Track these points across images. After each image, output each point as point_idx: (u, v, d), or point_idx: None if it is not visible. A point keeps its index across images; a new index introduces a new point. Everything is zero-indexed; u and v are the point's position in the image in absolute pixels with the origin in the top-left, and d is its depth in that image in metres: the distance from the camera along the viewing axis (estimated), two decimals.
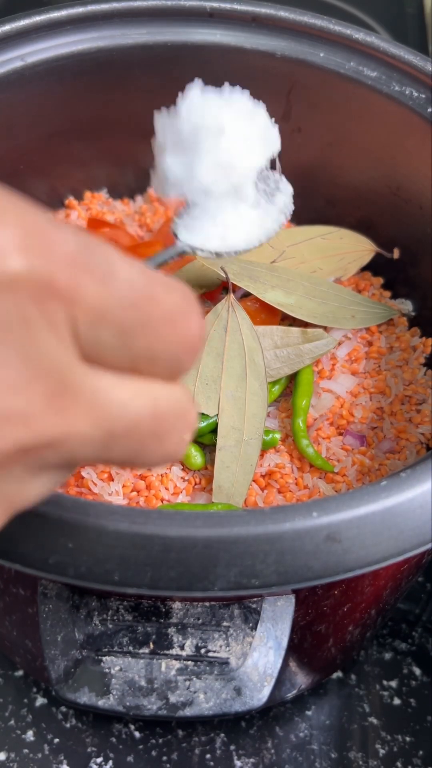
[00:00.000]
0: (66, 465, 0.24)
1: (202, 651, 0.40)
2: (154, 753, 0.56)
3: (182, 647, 0.40)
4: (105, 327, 0.23)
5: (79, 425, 0.22)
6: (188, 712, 0.40)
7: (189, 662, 0.40)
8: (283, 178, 0.50)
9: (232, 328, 0.53)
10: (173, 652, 0.40)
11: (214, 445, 0.53)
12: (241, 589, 0.35)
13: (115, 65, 0.61)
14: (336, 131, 0.63)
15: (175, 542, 0.35)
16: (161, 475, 0.51)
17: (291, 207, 0.50)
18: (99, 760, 0.55)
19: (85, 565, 0.35)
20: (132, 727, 0.57)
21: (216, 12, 0.60)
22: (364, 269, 0.65)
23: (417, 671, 0.60)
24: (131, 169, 0.69)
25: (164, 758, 0.55)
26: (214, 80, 0.63)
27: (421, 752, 0.56)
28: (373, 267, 0.64)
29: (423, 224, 0.59)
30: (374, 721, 0.58)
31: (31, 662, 0.52)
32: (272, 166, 0.48)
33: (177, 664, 0.40)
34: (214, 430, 0.52)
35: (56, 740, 0.56)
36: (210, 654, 0.40)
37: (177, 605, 0.40)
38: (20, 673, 0.59)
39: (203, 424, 0.51)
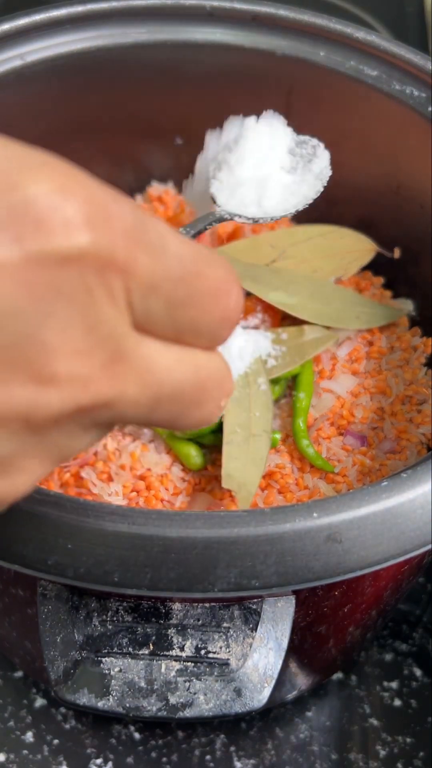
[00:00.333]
0: (113, 423, 0.26)
1: (202, 652, 0.40)
2: (153, 754, 0.56)
3: (182, 648, 0.40)
4: (156, 299, 0.24)
5: (130, 389, 0.24)
6: (188, 713, 0.40)
7: (189, 663, 0.40)
8: (321, 145, 0.50)
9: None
10: (173, 653, 0.40)
11: (215, 445, 0.52)
12: (242, 590, 0.35)
13: (115, 64, 0.61)
14: (336, 130, 0.62)
15: (175, 543, 0.35)
16: (161, 475, 0.51)
17: (328, 173, 0.50)
18: (99, 761, 0.55)
19: (85, 566, 0.35)
20: (132, 728, 0.57)
21: (216, 11, 0.60)
22: (364, 269, 0.65)
23: (418, 672, 0.60)
24: (131, 169, 0.69)
25: (164, 759, 0.55)
26: (214, 79, 0.63)
27: (421, 753, 0.56)
28: (374, 266, 0.64)
29: (424, 223, 0.59)
30: (375, 722, 0.58)
31: (31, 663, 0.52)
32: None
33: (177, 665, 0.40)
34: (214, 431, 0.52)
35: (56, 741, 0.56)
36: (210, 655, 0.40)
37: (177, 606, 0.40)
38: (20, 674, 0.59)
39: None
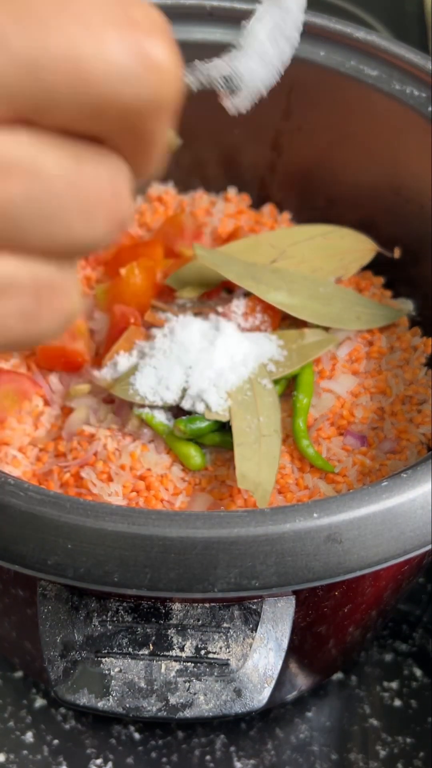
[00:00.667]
0: None
1: (202, 652, 0.40)
2: (153, 754, 0.55)
3: (182, 648, 0.40)
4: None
5: None
6: (188, 713, 0.40)
7: (189, 664, 0.40)
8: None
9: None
10: (173, 653, 0.40)
11: (215, 445, 0.52)
12: (242, 591, 0.35)
13: None
14: (336, 130, 0.63)
15: (175, 543, 0.35)
16: (161, 475, 0.51)
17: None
18: (98, 761, 0.55)
19: (85, 566, 0.35)
20: (132, 728, 0.57)
21: (216, 11, 0.60)
22: (364, 269, 0.65)
23: (418, 672, 0.60)
24: None
25: (164, 760, 0.55)
26: None
27: (421, 754, 0.56)
28: (374, 266, 0.64)
29: (424, 223, 0.59)
30: (375, 722, 0.58)
31: (31, 663, 0.52)
32: None
33: (177, 666, 0.40)
34: (215, 430, 0.52)
35: (56, 741, 0.56)
36: (210, 655, 0.40)
37: (177, 606, 0.40)
38: (20, 674, 0.59)
39: (202, 425, 0.51)
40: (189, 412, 0.52)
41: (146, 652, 0.40)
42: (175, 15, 0.60)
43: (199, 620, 0.40)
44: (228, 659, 0.40)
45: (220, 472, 0.52)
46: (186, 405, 0.52)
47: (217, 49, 0.61)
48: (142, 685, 0.40)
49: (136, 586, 0.35)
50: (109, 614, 0.40)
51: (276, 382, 0.54)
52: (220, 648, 0.40)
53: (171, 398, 0.52)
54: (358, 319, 0.58)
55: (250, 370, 0.53)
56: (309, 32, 0.60)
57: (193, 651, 0.40)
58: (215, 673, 0.40)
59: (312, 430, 0.54)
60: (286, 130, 0.65)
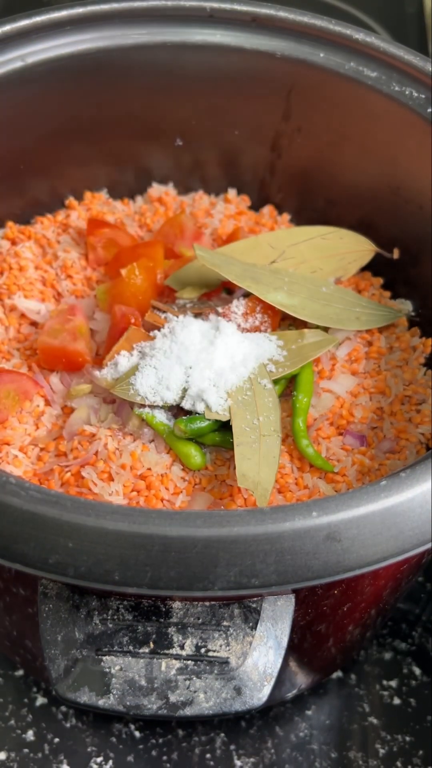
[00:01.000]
0: None
1: (202, 650, 0.40)
2: (154, 753, 0.56)
3: (182, 647, 0.40)
4: None
5: None
6: (188, 711, 0.40)
7: (189, 662, 0.40)
8: None
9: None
10: (173, 651, 0.40)
11: (215, 445, 0.53)
12: (241, 589, 0.35)
13: (116, 65, 0.61)
14: (336, 131, 0.63)
15: (175, 542, 0.35)
16: (161, 475, 0.51)
17: None
18: (99, 759, 0.55)
19: (86, 565, 0.35)
20: (132, 726, 0.57)
21: (216, 12, 0.60)
22: (364, 269, 0.65)
23: (417, 671, 0.60)
24: (131, 169, 0.69)
25: (164, 758, 0.55)
26: (214, 80, 0.63)
27: (421, 752, 0.56)
28: (373, 267, 0.64)
29: (423, 224, 0.60)
30: (374, 720, 0.58)
31: (32, 662, 0.52)
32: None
33: (177, 664, 0.40)
34: (215, 430, 0.52)
35: (56, 740, 0.56)
36: (210, 653, 0.40)
37: (177, 605, 0.40)
38: (20, 672, 0.59)
39: (202, 424, 0.51)
40: (189, 412, 0.53)
41: (147, 650, 0.40)
42: (176, 17, 0.60)
43: (199, 618, 0.40)
44: (228, 657, 0.40)
45: (220, 472, 0.52)
46: (186, 405, 0.52)
47: (218, 51, 0.62)
48: (143, 683, 0.40)
49: (137, 585, 0.35)
50: (110, 613, 0.40)
51: (276, 382, 0.54)
52: (220, 646, 0.40)
53: (171, 398, 0.52)
54: (357, 320, 0.58)
55: (249, 370, 0.53)
56: (309, 34, 0.60)
57: (194, 649, 0.40)
58: (215, 671, 0.40)
59: (311, 429, 0.55)
60: (285, 132, 0.65)
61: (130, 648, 0.40)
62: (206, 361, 0.52)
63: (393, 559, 0.37)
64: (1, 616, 0.49)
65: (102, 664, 0.40)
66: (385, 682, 0.60)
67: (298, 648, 0.47)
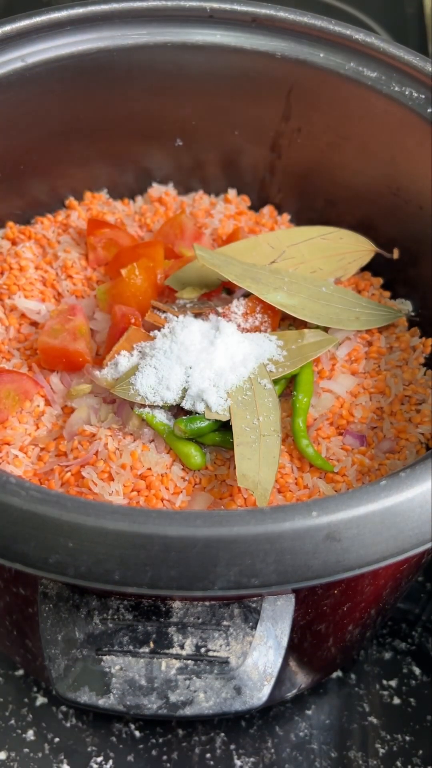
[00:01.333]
0: None
1: (202, 650, 0.40)
2: (154, 752, 0.56)
3: (182, 646, 0.40)
4: None
5: None
6: (188, 711, 0.40)
7: (189, 661, 0.40)
8: None
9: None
10: (173, 651, 0.40)
11: (215, 445, 0.53)
12: (241, 589, 0.35)
13: (116, 66, 0.61)
14: (336, 131, 0.63)
15: (176, 542, 0.35)
16: (161, 475, 0.51)
17: None
18: (99, 759, 0.55)
19: (86, 565, 0.35)
20: (132, 726, 0.57)
21: (216, 13, 0.60)
22: (363, 269, 0.65)
23: (417, 671, 0.60)
24: (131, 170, 0.69)
25: (164, 757, 0.55)
26: (214, 81, 0.63)
27: (420, 751, 0.56)
28: (373, 267, 0.64)
29: (423, 224, 0.60)
30: (374, 720, 0.58)
31: (32, 661, 0.52)
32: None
33: (177, 664, 0.40)
34: (215, 430, 0.52)
35: (56, 739, 0.56)
36: (210, 653, 0.40)
37: (177, 604, 0.40)
38: (21, 672, 0.59)
39: (202, 424, 0.51)
40: (189, 412, 0.53)
41: (147, 650, 0.40)
42: (176, 17, 0.60)
43: (199, 618, 0.40)
44: (228, 657, 0.40)
45: (220, 472, 0.52)
46: (186, 405, 0.52)
47: (218, 51, 0.62)
48: (143, 682, 0.40)
49: (137, 585, 0.35)
50: (110, 612, 0.40)
51: (276, 382, 0.54)
52: (220, 646, 0.40)
53: (171, 398, 0.52)
54: (357, 320, 0.58)
55: (249, 370, 0.53)
56: (309, 34, 0.60)
57: (194, 649, 0.40)
58: (215, 671, 0.40)
59: (311, 429, 0.55)
60: (285, 132, 0.65)
61: (130, 648, 0.40)
62: (206, 361, 0.52)
63: (393, 559, 0.37)
64: (2, 615, 0.49)
65: (102, 663, 0.40)
66: (384, 682, 0.60)
67: (298, 648, 0.47)
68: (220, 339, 0.53)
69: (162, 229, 0.65)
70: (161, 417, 0.52)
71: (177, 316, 0.56)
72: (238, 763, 0.56)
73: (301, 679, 0.54)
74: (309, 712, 0.58)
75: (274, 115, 0.64)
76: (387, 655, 0.61)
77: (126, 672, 0.40)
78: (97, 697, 0.40)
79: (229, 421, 0.51)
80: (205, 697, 0.40)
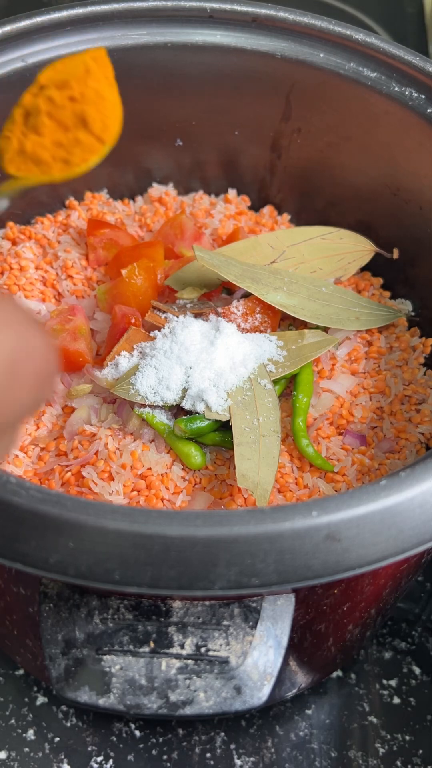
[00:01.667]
0: None
1: (203, 650, 0.40)
2: (154, 752, 0.56)
3: (182, 646, 0.40)
4: None
5: None
6: (188, 710, 0.40)
7: (189, 661, 0.40)
8: None
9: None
10: (173, 650, 0.40)
11: (215, 444, 0.53)
12: (241, 588, 0.35)
13: (116, 66, 0.61)
14: (336, 131, 0.63)
15: (176, 541, 0.35)
16: (161, 474, 0.51)
17: None
18: (99, 758, 0.55)
19: (86, 565, 0.35)
20: (132, 726, 0.57)
21: (216, 13, 0.60)
22: (363, 269, 0.65)
23: (417, 670, 0.60)
24: (131, 170, 0.69)
25: (164, 757, 0.56)
26: (214, 81, 0.63)
27: (420, 751, 0.57)
28: (373, 267, 0.64)
29: (422, 225, 0.60)
30: (374, 720, 0.58)
31: (32, 661, 0.52)
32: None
33: (177, 663, 0.40)
34: (215, 430, 0.52)
35: (57, 739, 0.56)
36: (210, 653, 0.40)
37: (177, 604, 0.40)
38: (21, 671, 0.59)
39: (202, 424, 0.51)
40: (189, 412, 0.53)
41: (147, 649, 0.40)
42: (176, 17, 0.60)
43: (199, 618, 0.40)
44: (228, 657, 0.40)
45: (221, 472, 0.52)
46: (186, 405, 0.52)
47: (218, 51, 0.62)
48: (143, 682, 0.40)
49: (137, 584, 0.35)
50: (110, 612, 0.41)
51: (276, 382, 0.54)
52: (220, 645, 0.40)
53: (171, 398, 0.52)
54: (357, 320, 0.58)
55: (249, 370, 0.53)
56: (309, 34, 0.60)
57: (194, 648, 0.40)
58: (215, 671, 0.40)
59: (311, 429, 0.55)
60: (285, 132, 0.65)
61: (131, 647, 0.40)
62: (206, 361, 0.52)
63: (393, 559, 0.37)
64: (2, 615, 0.49)
65: (102, 663, 0.40)
66: (385, 682, 0.60)
67: (298, 647, 0.48)
68: (220, 339, 0.53)
69: (162, 229, 0.65)
70: (161, 417, 0.52)
71: (177, 316, 0.56)
72: (238, 762, 0.56)
73: (301, 679, 0.54)
74: (309, 712, 0.58)
75: (274, 115, 0.64)
76: (387, 655, 0.61)
77: (126, 671, 0.40)
78: (98, 696, 0.40)
79: (229, 421, 0.51)
80: (205, 697, 0.40)
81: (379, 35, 0.60)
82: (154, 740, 0.56)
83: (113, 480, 0.50)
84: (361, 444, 0.54)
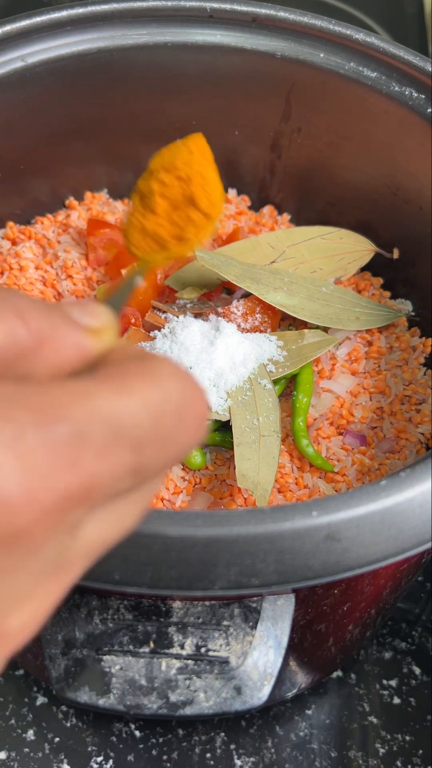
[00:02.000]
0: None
1: (203, 650, 0.40)
2: (154, 752, 0.56)
3: (182, 646, 0.40)
4: (119, 485, 0.22)
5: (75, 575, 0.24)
6: (188, 711, 0.40)
7: (189, 661, 0.40)
8: None
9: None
10: (173, 651, 0.40)
11: (215, 444, 0.53)
12: (241, 589, 0.35)
13: (116, 66, 0.61)
14: (336, 132, 0.63)
15: (176, 541, 0.35)
16: None
17: None
18: (99, 759, 0.55)
19: None
20: (132, 726, 0.57)
21: (216, 13, 0.60)
22: (363, 269, 0.65)
23: (417, 670, 0.60)
24: (131, 169, 0.69)
25: (164, 757, 0.56)
26: (214, 81, 0.63)
27: (420, 751, 0.56)
28: (373, 267, 0.64)
29: (422, 225, 0.60)
30: (374, 720, 0.58)
31: (32, 661, 0.52)
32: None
33: (177, 663, 0.40)
34: (215, 430, 0.52)
35: (57, 739, 0.56)
36: (210, 653, 0.40)
37: (177, 604, 0.40)
38: (21, 672, 0.59)
39: None
40: None
41: (147, 649, 0.40)
42: (176, 17, 0.60)
43: (199, 618, 0.40)
44: (228, 657, 0.40)
45: (221, 472, 0.52)
46: None
47: (218, 51, 0.62)
48: (143, 682, 0.40)
49: (137, 585, 0.35)
50: (110, 612, 0.40)
51: (276, 382, 0.54)
52: (221, 646, 0.40)
53: None
54: (357, 320, 0.58)
55: (249, 370, 0.53)
56: (309, 34, 0.60)
57: (194, 649, 0.40)
58: (215, 671, 0.40)
59: (311, 429, 0.55)
60: (285, 132, 0.65)
61: (131, 647, 0.40)
62: (206, 361, 0.52)
63: (393, 559, 0.37)
64: None
65: (102, 663, 0.40)
66: (385, 682, 0.60)
67: (298, 647, 0.48)
68: (220, 339, 0.53)
69: None
70: None
71: (177, 316, 0.56)
72: (238, 762, 0.56)
73: (301, 679, 0.54)
74: (309, 712, 0.58)
75: (274, 115, 0.64)
76: (387, 655, 0.61)
77: (126, 672, 0.40)
78: (97, 697, 0.40)
79: (229, 421, 0.51)
80: (206, 697, 0.40)
81: (380, 35, 0.60)
82: (154, 740, 0.56)
83: None
84: (361, 444, 0.54)
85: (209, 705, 0.40)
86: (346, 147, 0.63)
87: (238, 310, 0.57)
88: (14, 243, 0.65)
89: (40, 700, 0.58)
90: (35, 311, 0.22)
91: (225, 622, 0.40)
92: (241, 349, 0.53)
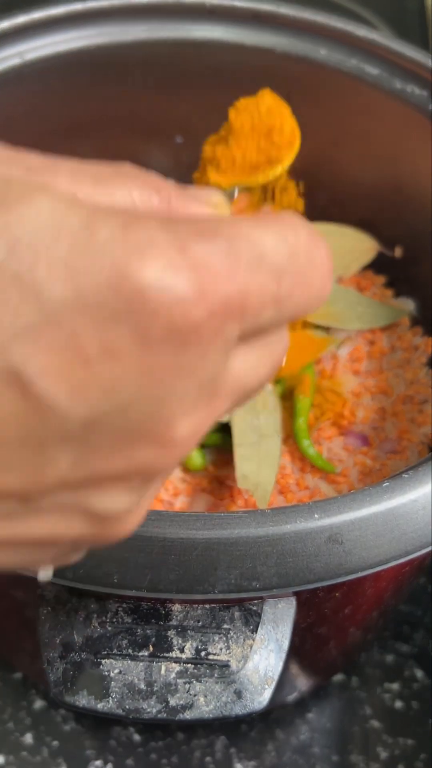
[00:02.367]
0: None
1: (202, 654, 0.40)
2: (153, 756, 0.55)
3: (182, 650, 0.40)
4: (264, 313, 0.23)
5: (223, 410, 0.25)
6: (188, 715, 0.40)
7: (189, 665, 0.40)
8: None
9: None
10: (173, 654, 0.40)
11: (215, 445, 0.52)
12: (242, 592, 0.35)
13: (115, 62, 0.61)
14: (337, 129, 0.62)
15: (175, 544, 0.35)
16: None
17: None
18: (98, 763, 0.55)
19: (84, 567, 0.35)
20: (131, 730, 0.56)
21: (216, 9, 0.60)
22: (365, 268, 0.64)
23: (419, 674, 0.60)
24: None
25: (164, 761, 0.55)
26: (215, 77, 0.63)
27: (422, 755, 0.56)
28: (375, 266, 0.64)
29: (425, 222, 0.59)
30: (376, 723, 0.57)
31: (30, 665, 0.52)
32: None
33: (177, 667, 0.40)
34: (215, 431, 0.52)
35: (55, 743, 0.56)
36: (210, 657, 0.40)
37: (177, 608, 0.40)
38: (19, 675, 0.59)
39: None
40: None
41: (146, 653, 0.40)
42: (176, 13, 0.60)
43: (199, 621, 0.40)
44: (228, 660, 0.40)
45: (221, 473, 0.52)
46: None
47: (218, 48, 0.61)
48: (142, 686, 0.40)
49: (136, 588, 0.35)
50: (109, 615, 0.40)
51: (276, 382, 0.54)
52: (221, 649, 0.40)
53: None
54: (359, 319, 0.58)
55: None
56: (310, 31, 0.59)
57: (193, 652, 0.40)
58: (215, 675, 0.40)
59: (313, 430, 0.54)
60: None
61: (130, 651, 0.40)
62: None
63: (395, 562, 0.37)
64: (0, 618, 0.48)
65: (101, 667, 0.40)
66: (386, 685, 0.59)
67: (299, 651, 0.47)
68: None
69: None
70: None
71: None
72: (238, 766, 0.55)
73: (302, 683, 0.53)
74: (310, 716, 0.58)
75: None
76: (389, 658, 0.60)
77: (125, 676, 0.40)
78: (96, 701, 0.40)
79: (229, 421, 0.51)
80: (206, 701, 0.40)
81: (381, 31, 0.60)
82: (153, 744, 0.56)
83: None
84: (363, 445, 0.54)
85: (209, 709, 0.40)
86: (347, 144, 0.62)
87: None
88: None
89: (39, 703, 0.58)
90: (167, 184, 0.26)
91: (225, 626, 0.40)
92: None
